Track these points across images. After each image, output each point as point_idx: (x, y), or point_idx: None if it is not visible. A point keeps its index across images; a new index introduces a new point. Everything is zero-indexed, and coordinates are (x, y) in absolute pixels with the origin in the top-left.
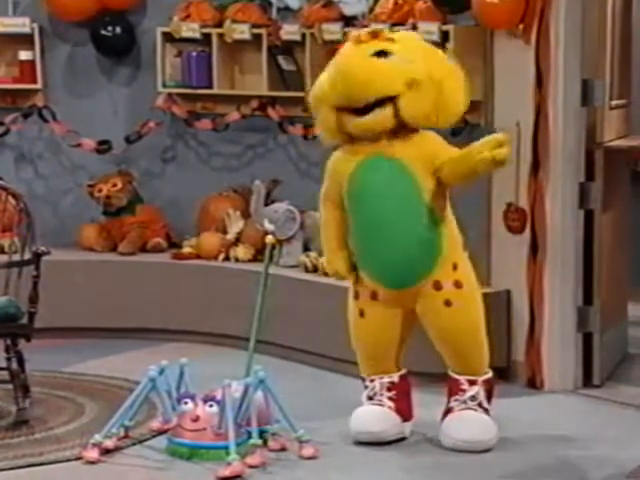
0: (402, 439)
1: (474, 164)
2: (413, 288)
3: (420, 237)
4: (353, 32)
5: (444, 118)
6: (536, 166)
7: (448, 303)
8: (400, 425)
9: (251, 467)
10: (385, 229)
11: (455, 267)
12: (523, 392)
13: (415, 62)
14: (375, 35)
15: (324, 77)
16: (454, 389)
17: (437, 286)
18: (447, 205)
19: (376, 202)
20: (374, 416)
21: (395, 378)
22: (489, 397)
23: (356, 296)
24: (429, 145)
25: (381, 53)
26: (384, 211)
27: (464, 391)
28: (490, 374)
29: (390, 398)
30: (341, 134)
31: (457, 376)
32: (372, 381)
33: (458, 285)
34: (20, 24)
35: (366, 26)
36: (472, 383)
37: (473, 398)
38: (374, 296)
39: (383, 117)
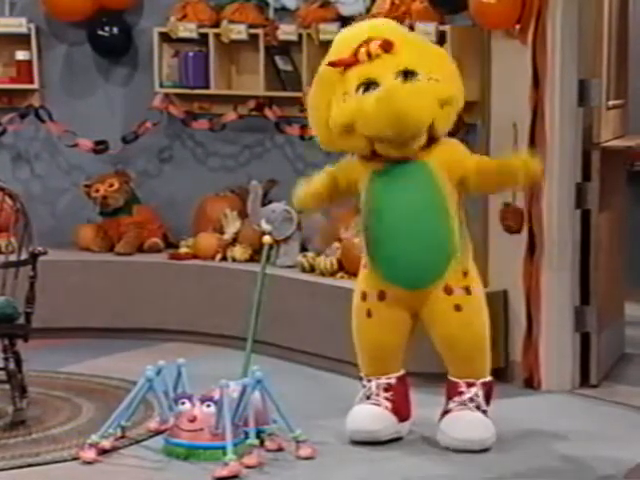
0: (399, 439)
1: (514, 174)
2: (424, 291)
3: (437, 240)
4: (361, 50)
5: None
6: None
7: (458, 308)
8: (396, 425)
9: (248, 467)
10: (406, 229)
11: (465, 274)
12: (520, 392)
13: (438, 79)
14: (387, 49)
15: (351, 105)
16: (452, 392)
17: (448, 290)
18: (463, 214)
19: (399, 202)
20: (370, 415)
21: (393, 380)
22: (487, 399)
23: (363, 297)
24: (455, 153)
25: (407, 75)
26: (406, 211)
27: (462, 393)
28: (489, 377)
29: (387, 398)
30: (369, 153)
31: (456, 379)
32: (369, 381)
33: (468, 291)
34: (17, 24)
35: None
36: (470, 385)
37: (471, 400)
38: (382, 296)
39: (421, 142)
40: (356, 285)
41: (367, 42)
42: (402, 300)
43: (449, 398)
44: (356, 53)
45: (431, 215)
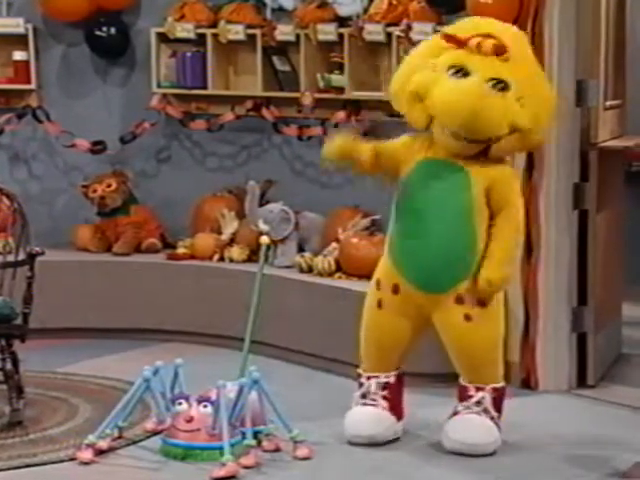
0: (397, 438)
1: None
2: (435, 296)
3: (460, 249)
4: (473, 39)
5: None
6: (530, 167)
7: (468, 318)
8: (395, 425)
9: (245, 468)
10: (428, 229)
11: None
12: (518, 392)
13: (524, 104)
14: (498, 53)
15: (434, 78)
16: (462, 395)
17: (459, 300)
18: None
19: (435, 202)
20: (369, 418)
21: (391, 378)
22: (498, 405)
23: (378, 286)
24: (504, 178)
25: (499, 84)
26: (439, 213)
27: (470, 397)
28: (501, 384)
29: (384, 397)
30: (426, 128)
31: (466, 384)
32: (368, 379)
33: (482, 303)
34: (14, 24)
35: (362, 28)
36: (479, 389)
37: (478, 403)
38: (395, 290)
39: (476, 147)
40: (375, 272)
41: (486, 36)
42: (413, 299)
43: (459, 401)
44: (468, 39)
45: (455, 222)
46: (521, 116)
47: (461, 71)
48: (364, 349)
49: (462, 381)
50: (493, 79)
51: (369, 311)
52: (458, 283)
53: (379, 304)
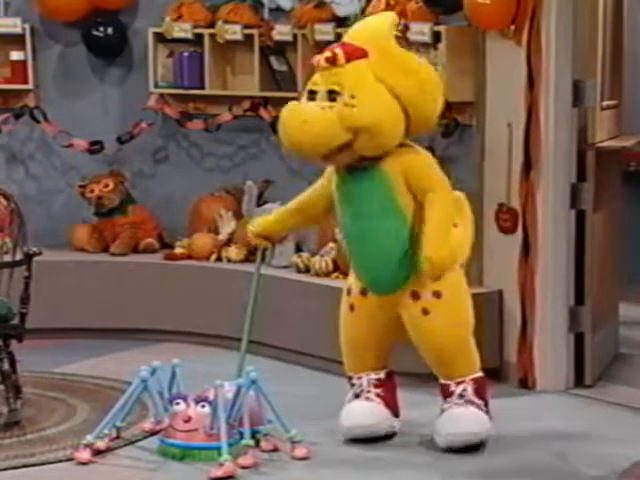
0: (393, 436)
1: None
2: (393, 296)
3: (393, 249)
4: (316, 57)
5: (415, 130)
6: (528, 166)
7: (425, 312)
8: (391, 419)
9: (243, 468)
10: (364, 236)
11: (435, 278)
12: (515, 392)
13: (354, 106)
14: (332, 62)
15: None
16: (445, 393)
17: (415, 296)
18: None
19: (357, 208)
20: (364, 410)
21: (382, 375)
22: (481, 395)
23: (348, 291)
24: (416, 166)
25: (331, 94)
26: (363, 217)
27: (453, 392)
28: (479, 374)
29: (378, 395)
30: None
31: (446, 381)
32: (359, 378)
33: (437, 295)
34: (12, 24)
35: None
36: (459, 383)
37: (461, 396)
38: (364, 292)
39: (348, 158)
40: (348, 277)
41: (330, 49)
42: (379, 301)
43: (443, 399)
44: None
45: (385, 223)
46: (354, 117)
47: (311, 93)
48: (344, 351)
49: (441, 380)
50: (328, 91)
51: (343, 315)
52: (408, 279)
53: (351, 308)
